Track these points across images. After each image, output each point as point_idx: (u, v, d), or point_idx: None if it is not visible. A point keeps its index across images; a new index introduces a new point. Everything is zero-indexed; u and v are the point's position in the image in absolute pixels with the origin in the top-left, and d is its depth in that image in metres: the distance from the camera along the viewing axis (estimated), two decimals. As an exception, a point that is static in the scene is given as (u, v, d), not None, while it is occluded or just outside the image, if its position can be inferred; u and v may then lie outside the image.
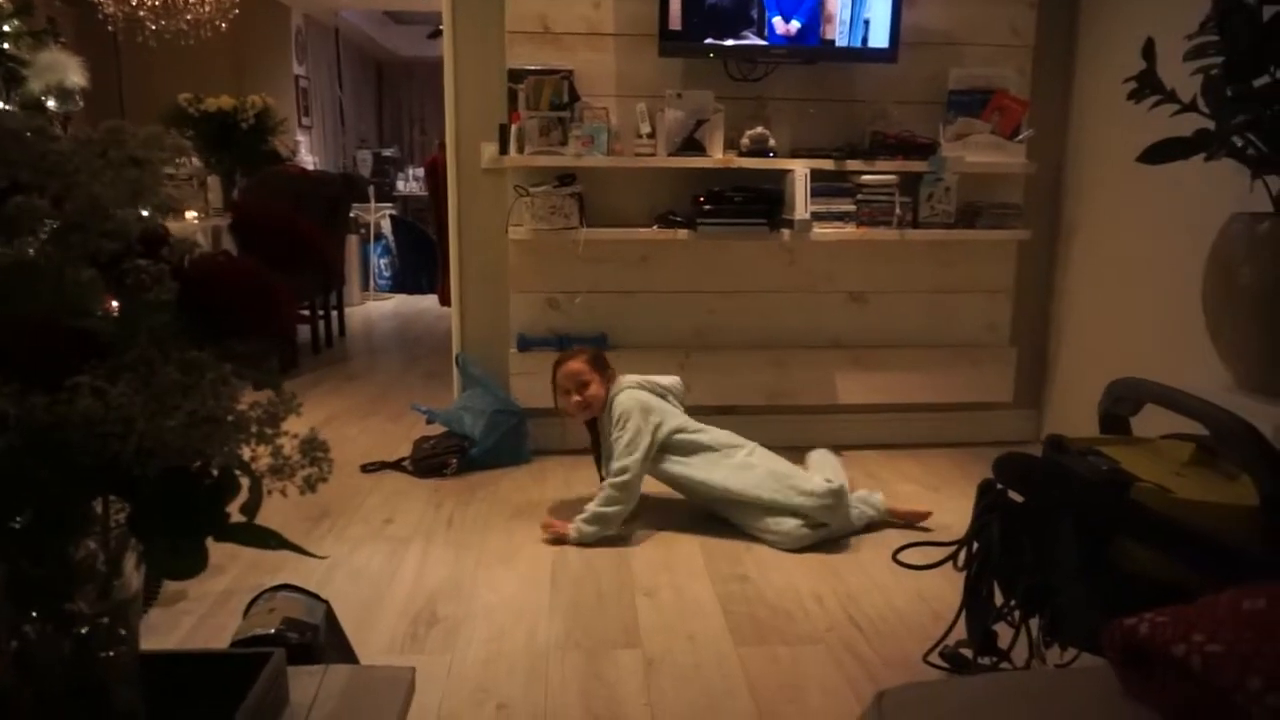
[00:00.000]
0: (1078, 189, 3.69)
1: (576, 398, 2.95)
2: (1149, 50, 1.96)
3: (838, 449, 3.70)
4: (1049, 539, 1.33)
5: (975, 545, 1.46)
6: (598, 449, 3.05)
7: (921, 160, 3.49)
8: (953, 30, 3.60)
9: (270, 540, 0.91)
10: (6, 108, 1.98)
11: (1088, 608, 1.29)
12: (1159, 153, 1.74)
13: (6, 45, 2.02)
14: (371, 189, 8.00)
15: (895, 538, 2.84)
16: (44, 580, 0.84)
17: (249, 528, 0.90)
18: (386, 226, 8.14)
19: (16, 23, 2.08)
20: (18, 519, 0.81)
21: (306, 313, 5.54)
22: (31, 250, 0.79)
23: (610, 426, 2.93)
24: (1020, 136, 3.57)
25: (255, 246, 0.89)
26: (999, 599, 1.49)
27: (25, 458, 0.72)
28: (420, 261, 8.04)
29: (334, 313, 5.88)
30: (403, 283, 8.25)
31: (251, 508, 0.89)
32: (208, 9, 5.16)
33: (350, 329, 6.36)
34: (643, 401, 2.92)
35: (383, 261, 8.22)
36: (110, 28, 5.33)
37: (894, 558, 1.58)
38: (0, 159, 0.67)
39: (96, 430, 0.68)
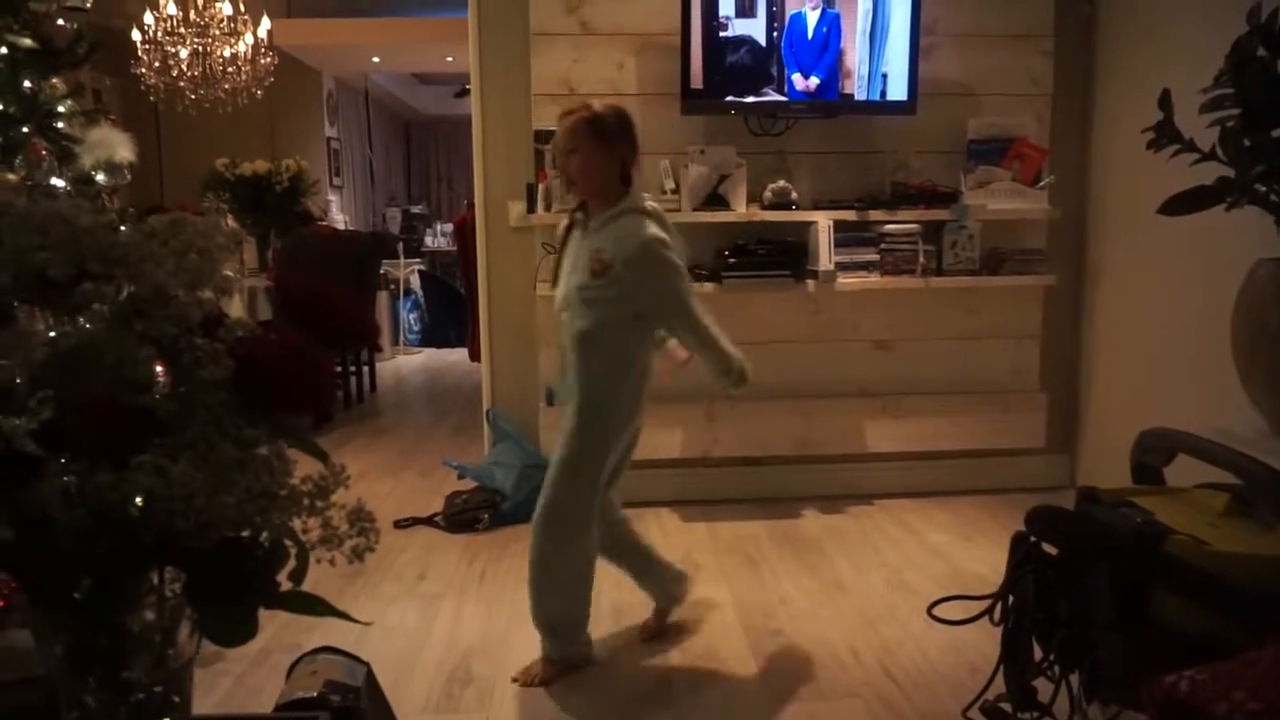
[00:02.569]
0: (1101, 234, 3.69)
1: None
2: (1165, 101, 1.98)
3: (868, 497, 3.70)
4: (1084, 592, 1.32)
5: (1011, 599, 1.46)
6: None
7: (944, 209, 3.53)
8: (970, 81, 3.66)
9: (318, 607, 0.94)
10: (62, 184, 2.07)
11: (1126, 662, 1.28)
12: (1180, 204, 1.76)
13: (61, 124, 2.12)
14: (400, 245, 8.16)
15: (928, 588, 2.81)
16: (102, 649, 0.88)
17: (298, 595, 0.93)
18: (416, 281, 8.28)
19: (70, 103, 2.18)
20: (78, 591, 0.84)
21: (338, 369, 5.63)
22: (93, 330, 0.84)
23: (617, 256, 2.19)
24: (1041, 183, 3.60)
25: (300, 321, 0.93)
26: (1037, 653, 1.48)
27: (89, 532, 0.76)
28: (449, 315, 8.15)
29: (365, 368, 5.97)
30: (432, 336, 8.36)
31: (299, 575, 0.92)
32: (244, 78, 5.36)
33: (381, 383, 6.45)
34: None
35: (412, 316, 8.34)
36: (152, 98, 5.55)
37: (929, 613, 1.58)
38: (71, 250, 0.72)
39: (158, 506, 0.72)
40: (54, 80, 2.24)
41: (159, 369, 0.87)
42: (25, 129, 2.05)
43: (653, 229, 2.21)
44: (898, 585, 2.90)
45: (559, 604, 2.32)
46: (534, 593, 2.31)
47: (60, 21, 2.24)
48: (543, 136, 3.46)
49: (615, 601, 2.78)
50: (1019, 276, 3.63)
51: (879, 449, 3.76)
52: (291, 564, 0.91)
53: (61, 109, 2.12)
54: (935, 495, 3.73)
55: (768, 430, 3.70)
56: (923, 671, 2.33)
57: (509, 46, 3.55)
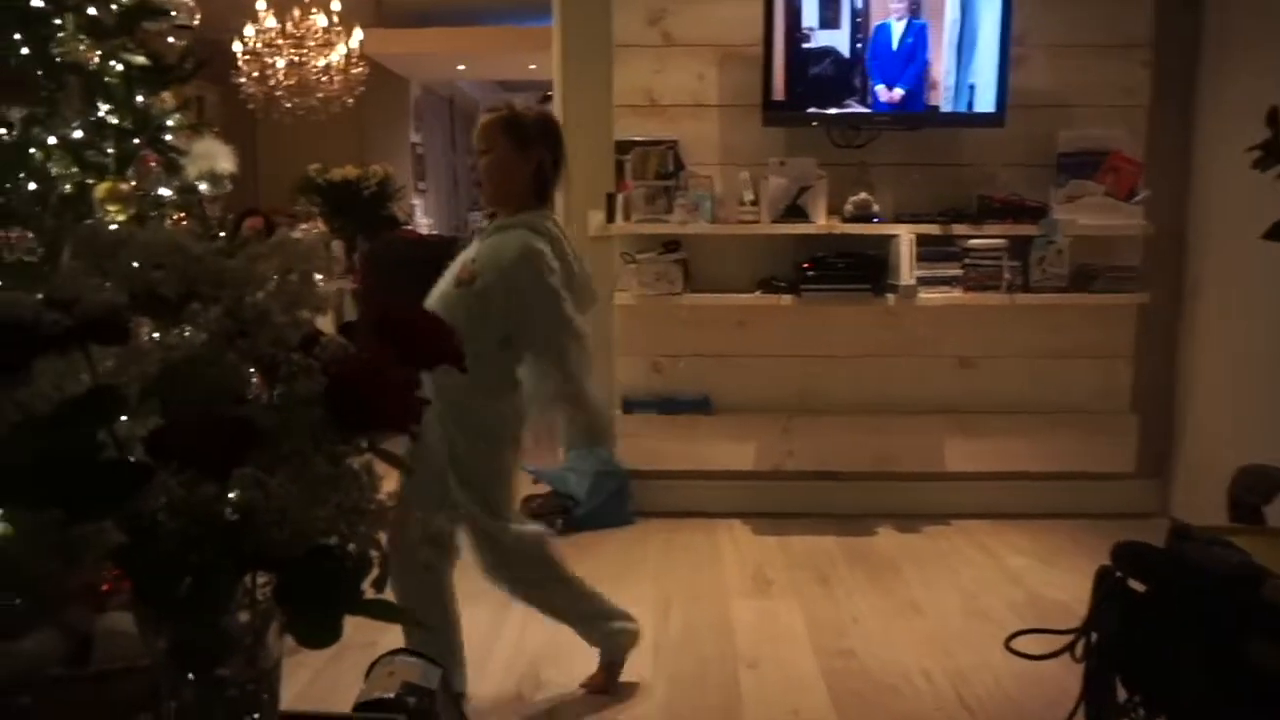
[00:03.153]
0: (1202, 251, 3.54)
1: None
2: (1274, 118, 1.89)
3: (945, 517, 3.61)
4: (1173, 633, 1.27)
5: (1094, 635, 1.41)
6: None
7: (1031, 223, 3.43)
8: (1062, 92, 3.55)
9: (398, 616, 0.97)
10: (169, 193, 2.18)
11: (1216, 708, 1.22)
12: (1287, 229, 1.67)
13: (169, 137, 2.23)
14: (481, 249, 8.31)
15: (1005, 615, 2.74)
16: (200, 647, 0.92)
17: (380, 603, 0.96)
18: (495, 285, 8.43)
19: (178, 116, 2.29)
20: (180, 590, 0.89)
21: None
22: (199, 345, 0.88)
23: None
24: (1137, 198, 3.47)
25: (390, 341, 0.96)
26: (1121, 693, 1.43)
27: (192, 538, 0.80)
28: (527, 319, 8.27)
29: (444, 370, 6.09)
30: (509, 339, 8.51)
31: (381, 583, 0.95)
32: (336, 87, 5.55)
33: (459, 385, 6.57)
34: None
35: (490, 319, 8.49)
36: (250, 106, 5.79)
37: (1006, 646, 1.54)
38: (182, 276, 0.76)
39: (256, 517, 0.75)
40: (164, 94, 2.37)
41: (258, 382, 0.92)
42: (137, 141, 2.16)
43: (538, 244, 1.99)
44: (974, 610, 2.83)
45: (578, 612, 2.25)
46: (566, 621, 2.24)
47: (170, 39, 2.36)
48: (624, 147, 3.50)
49: (684, 620, 2.78)
50: (1110, 294, 3.50)
51: (958, 468, 3.67)
52: (375, 572, 0.95)
53: (170, 122, 2.23)
54: (1016, 518, 3.61)
55: (844, 445, 3.65)
56: (998, 702, 2.27)
57: (591, 57, 3.60)
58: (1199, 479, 3.55)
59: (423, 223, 8.34)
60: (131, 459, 0.86)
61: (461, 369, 1.02)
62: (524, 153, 2.07)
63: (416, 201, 8.45)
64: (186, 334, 0.87)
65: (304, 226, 5.80)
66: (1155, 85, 3.56)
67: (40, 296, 0.84)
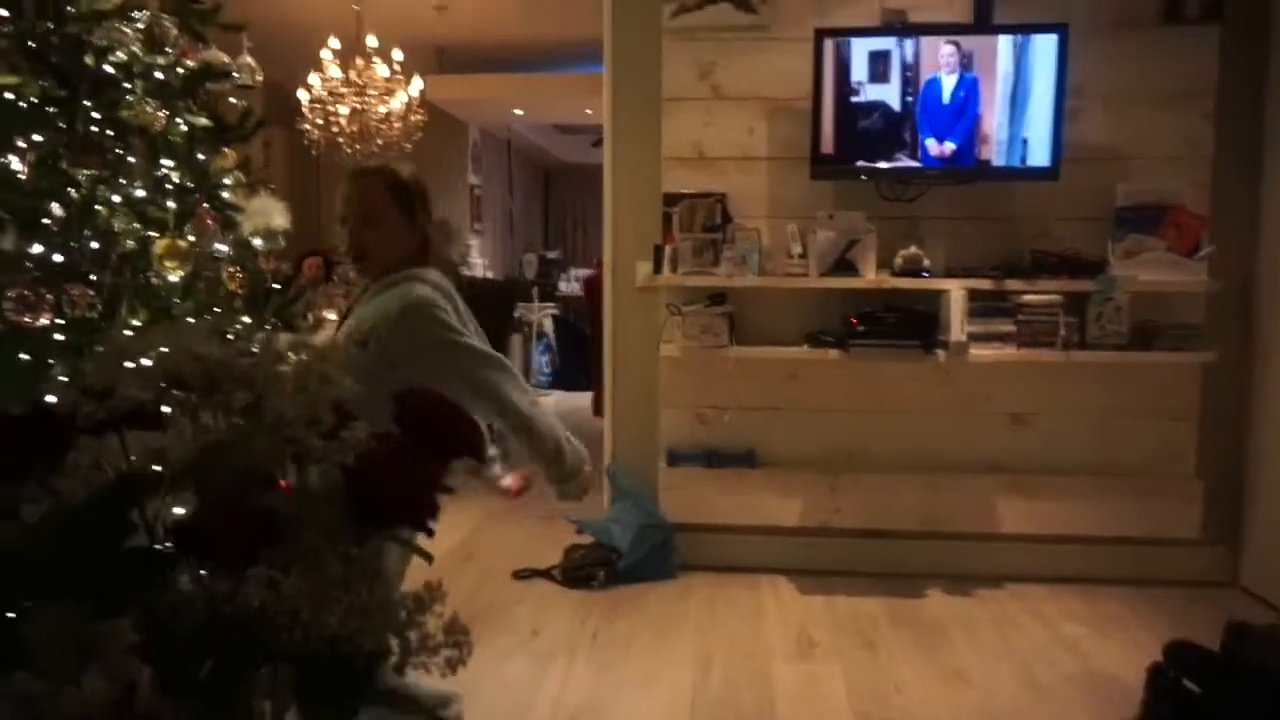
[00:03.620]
0: (1272, 309, 3.41)
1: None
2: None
3: (998, 580, 3.50)
4: (1232, 738, 1.20)
5: (1146, 732, 1.34)
6: None
7: (1088, 279, 3.35)
8: (1120, 145, 3.48)
9: (414, 709, 0.96)
10: (225, 249, 2.24)
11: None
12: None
13: (226, 194, 2.30)
14: (535, 290, 8.41)
15: (1060, 687, 2.63)
16: (218, 731, 0.93)
17: (395, 694, 0.96)
18: (549, 325, 8.50)
19: (237, 174, 2.37)
20: (200, 673, 0.90)
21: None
22: (226, 432, 0.90)
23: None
24: (1200, 254, 3.36)
25: (413, 429, 0.97)
26: (1176, 795, 1.35)
27: (209, 631, 0.81)
28: (580, 359, 8.31)
29: (494, 411, 6.14)
30: (563, 379, 8.56)
31: (401, 668, 0.94)
32: (396, 133, 5.70)
33: (508, 426, 6.61)
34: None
35: (544, 359, 8.56)
36: (314, 152, 5.97)
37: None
38: (205, 376, 0.78)
39: (267, 616, 0.76)
40: (226, 151, 2.45)
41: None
42: (196, 198, 2.24)
43: (424, 291, 1.86)
44: (1026, 682, 2.72)
45: None
46: None
47: (232, 100, 2.45)
48: (672, 199, 3.51)
49: (725, 679, 2.73)
50: (1173, 353, 3.38)
51: (1011, 529, 3.56)
52: (394, 659, 0.95)
53: (228, 180, 2.30)
54: (1072, 583, 3.48)
55: (892, 502, 3.57)
56: (1050, 784, 2.17)
57: (641, 110, 3.63)
58: (1270, 547, 3.39)
59: (478, 263, 8.47)
60: (157, 546, 0.88)
61: (480, 460, 1.02)
62: (412, 222, 1.94)
63: (473, 242, 8.60)
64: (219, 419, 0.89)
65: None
66: (1219, 136, 3.46)
67: (75, 385, 0.87)
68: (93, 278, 1.93)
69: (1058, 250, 3.42)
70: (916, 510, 3.56)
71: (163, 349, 0.77)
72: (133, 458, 0.87)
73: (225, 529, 0.84)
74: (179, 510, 0.85)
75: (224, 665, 0.86)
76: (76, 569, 0.81)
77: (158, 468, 0.87)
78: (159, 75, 2.19)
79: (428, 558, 1.01)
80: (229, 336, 0.93)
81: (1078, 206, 3.47)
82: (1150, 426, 3.52)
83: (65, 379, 0.78)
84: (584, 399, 7.94)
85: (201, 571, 0.80)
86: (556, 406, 7.84)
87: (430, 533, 0.90)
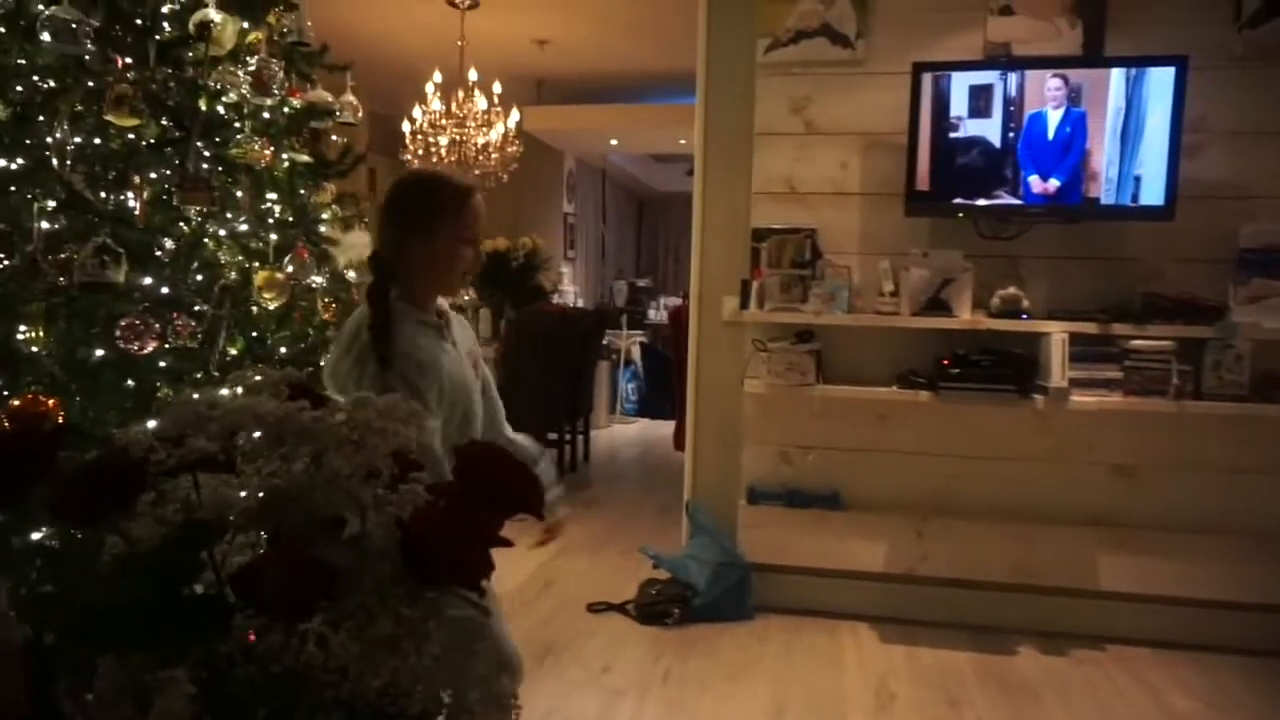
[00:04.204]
0: None
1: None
2: None
3: (1098, 641, 3.31)
4: None
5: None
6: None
7: (1206, 325, 3.15)
8: (1244, 182, 3.27)
9: (464, 766, 0.95)
10: (320, 280, 2.32)
11: None
12: None
13: (323, 228, 2.39)
14: (624, 317, 8.46)
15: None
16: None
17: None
18: (636, 353, 8.54)
19: (334, 208, 2.45)
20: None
21: (554, 436, 5.88)
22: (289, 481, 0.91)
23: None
24: (1332, 301, 3.12)
25: (474, 484, 0.96)
26: None
27: (261, 686, 0.82)
28: (666, 388, 8.31)
29: (580, 436, 6.19)
30: (648, 407, 8.56)
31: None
32: (493, 163, 5.85)
33: (595, 453, 6.65)
34: None
35: (630, 386, 8.59)
36: (415, 181, 6.18)
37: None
38: (270, 431, 0.79)
39: (314, 675, 0.76)
40: (328, 186, 2.55)
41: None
42: (294, 231, 2.33)
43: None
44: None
45: None
46: None
47: (335, 137, 2.55)
48: (760, 234, 3.48)
49: (798, 727, 2.64)
50: (1299, 405, 3.15)
51: (1114, 586, 3.36)
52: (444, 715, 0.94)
53: (325, 215, 2.39)
54: (1183, 649, 3.26)
55: (983, 552, 3.42)
56: None
57: (733, 143, 3.62)
58: None
59: (569, 290, 8.58)
60: (218, 595, 0.89)
61: (539, 517, 1.01)
62: None
63: (565, 270, 8.73)
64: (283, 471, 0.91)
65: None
66: (1356, 176, 3.23)
67: (149, 433, 0.90)
68: (196, 308, 2.03)
69: (1172, 294, 3.23)
70: (1009, 561, 3.39)
71: (229, 406, 0.78)
72: (200, 506, 0.89)
73: (284, 579, 0.85)
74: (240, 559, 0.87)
75: (278, 713, 0.87)
76: (143, 615, 0.84)
77: (225, 515, 0.90)
78: (266, 115, 2.29)
79: (485, 612, 1.00)
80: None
81: (1195, 247, 3.28)
82: (1272, 483, 3.28)
83: (143, 426, 0.81)
84: (668, 428, 7.93)
85: (257, 622, 0.81)
86: (641, 435, 7.86)
87: (481, 592, 0.89)
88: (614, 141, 8.75)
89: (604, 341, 7.61)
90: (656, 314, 9.40)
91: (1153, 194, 3.16)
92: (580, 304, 8.82)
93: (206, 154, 2.14)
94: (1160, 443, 3.32)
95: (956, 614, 3.41)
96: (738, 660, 3.12)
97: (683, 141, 8.20)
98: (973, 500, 3.46)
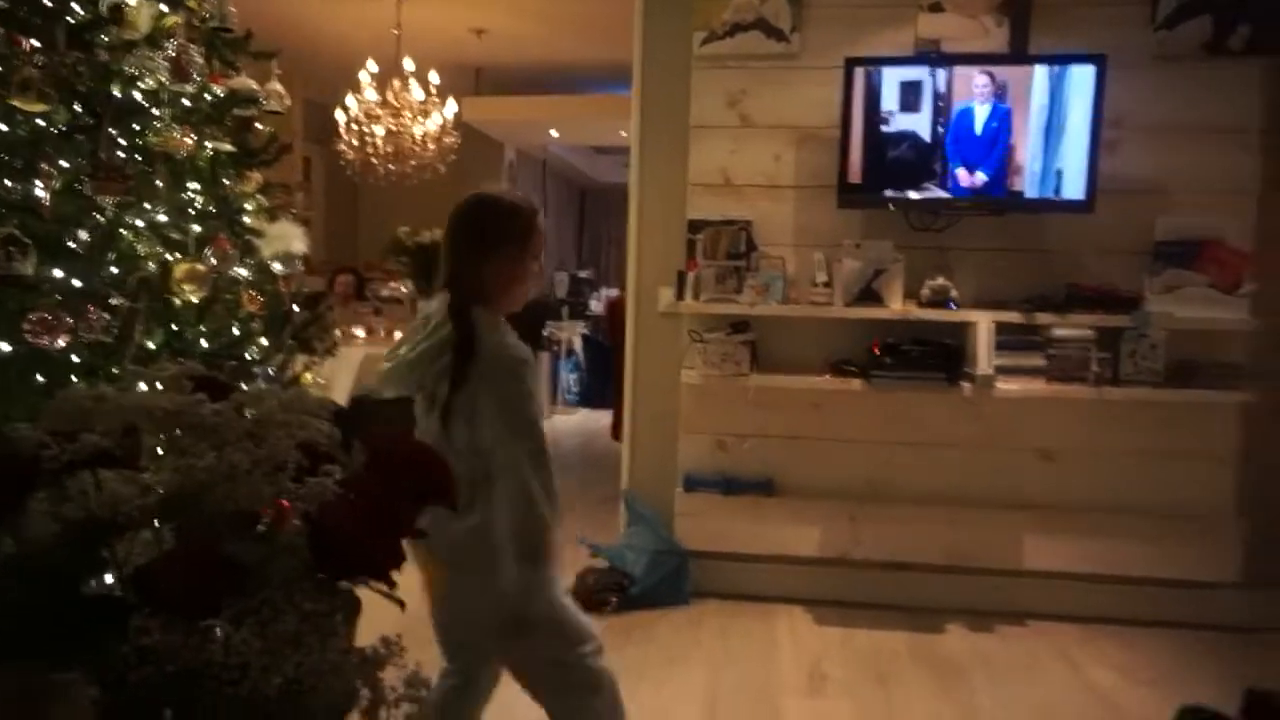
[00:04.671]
0: (1314, 349, 3.30)
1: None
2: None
3: (1022, 617, 3.42)
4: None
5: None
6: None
7: (1123, 314, 3.26)
8: (1159, 178, 3.39)
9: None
10: (245, 273, 2.27)
11: None
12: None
13: (248, 219, 2.34)
14: (566, 308, 8.43)
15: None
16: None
17: None
18: (578, 344, 8.52)
19: (260, 198, 2.40)
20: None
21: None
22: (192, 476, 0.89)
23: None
24: (1242, 291, 3.26)
25: (387, 474, 0.96)
26: None
27: (161, 684, 0.80)
28: (608, 378, 8.32)
29: (521, 429, 6.15)
30: (589, 398, 8.57)
31: (374, 711, 0.93)
32: (430, 154, 5.77)
33: (535, 444, 6.61)
34: None
35: (572, 376, 8.58)
36: (349, 172, 6.06)
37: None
38: (161, 427, 0.78)
39: (215, 674, 0.75)
40: (253, 175, 2.49)
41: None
42: (217, 222, 2.27)
43: None
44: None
45: None
46: None
47: (259, 125, 2.49)
48: (696, 226, 3.50)
49: (732, 714, 2.68)
50: (1211, 391, 3.28)
51: (1038, 566, 3.47)
52: (364, 702, 0.93)
53: (249, 205, 2.34)
54: (1103, 623, 3.38)
55: (914, 535, 3.50)
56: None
57: (669, 135, 3.63)
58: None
59: (510, 281, 8.51)
60: (116, 595, 0.87)
61: (453, 507, 1.00)
62: None
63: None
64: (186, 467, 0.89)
65: (392, 285, 6.01)
66: (1264, 171, 3.36)
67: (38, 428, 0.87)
68: (111, 301, 1.97)
69: (1092, 284, 3.34)
70: (939, 544, 3.48)
71: (117, 401, 0.76)
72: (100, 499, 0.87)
73: (186, 575, 0.84)
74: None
75: (178, 718, 0.86)
76: (38, 617, 0.81)
77: (124, 512, 0.88)
78: (186, 102, 2.23)
79: (400, 604, 0.99)
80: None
81: (1114, 240, 3.39)
82: (1186, 466, 3.42)
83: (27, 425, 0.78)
84: (609, 418, 7.93)
85: (156, 622, 0.80)
86: (582, 425, 7.85)
87: (391, 584, 0.89)
88: (554, 133, 8.69)
89: (545, 333, 7.59)
90: (598, 305, 9.39)
91: (1074, 188, 3.26)
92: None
93: (122, 142, 2.07)
94: (1081, 428, 3.44)
95: (889, 596, 3.49)
96: (674, 646, 3.15)
97: (623, 133, 8.17)
98: (904, 485, 3.53)
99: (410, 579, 0.88)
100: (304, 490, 0.85)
